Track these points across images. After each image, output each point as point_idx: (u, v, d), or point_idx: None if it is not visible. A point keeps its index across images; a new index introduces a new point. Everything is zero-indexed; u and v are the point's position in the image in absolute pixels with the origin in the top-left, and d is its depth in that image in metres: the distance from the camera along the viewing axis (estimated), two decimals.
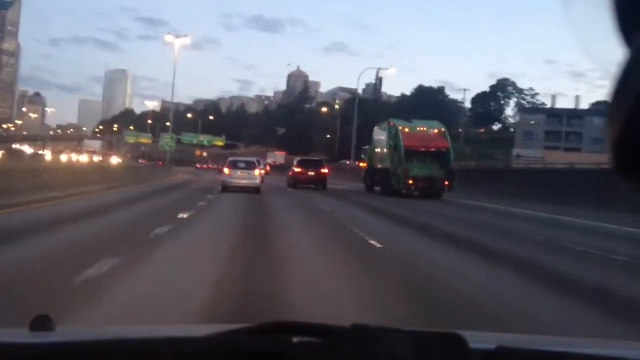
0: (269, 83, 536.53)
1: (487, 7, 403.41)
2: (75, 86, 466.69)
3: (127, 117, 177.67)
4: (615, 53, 0.58)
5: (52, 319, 1.39)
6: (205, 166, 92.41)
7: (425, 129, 26.29)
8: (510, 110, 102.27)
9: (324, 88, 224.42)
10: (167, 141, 63.11)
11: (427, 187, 23.93)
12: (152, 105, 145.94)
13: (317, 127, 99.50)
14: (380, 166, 27.78)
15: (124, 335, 1.34)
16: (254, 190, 22.69)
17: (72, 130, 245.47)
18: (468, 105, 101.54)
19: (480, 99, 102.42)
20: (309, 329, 1.04)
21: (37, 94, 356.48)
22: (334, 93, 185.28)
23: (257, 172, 23.92)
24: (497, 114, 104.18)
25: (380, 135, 28.73)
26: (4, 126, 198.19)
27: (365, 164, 32.47)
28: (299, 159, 33.63)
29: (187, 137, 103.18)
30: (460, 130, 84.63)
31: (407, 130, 25.45)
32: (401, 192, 24.26)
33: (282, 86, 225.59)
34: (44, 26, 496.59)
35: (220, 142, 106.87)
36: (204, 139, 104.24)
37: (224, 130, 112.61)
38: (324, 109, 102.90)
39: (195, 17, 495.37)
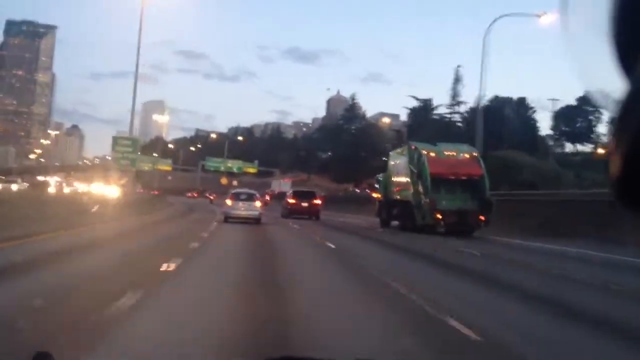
0: (306, 113, 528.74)
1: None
2: (113, 118, 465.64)
3: (156, 145, 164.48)
4: (615, 84, 0.57)
5: (53, 356, 1.41)
6: (193, 194, 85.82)
7: (454, 153, 23.13)
8: (602, 127, 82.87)
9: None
10: (122, 150, 39.68)
11: (458, 222, 20.85)
12: (182, 133, 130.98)
13: (368, 148, 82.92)
14: (398, 197, 24.69)
15: None
16: (253, 221, 23.18)
17: (95, 160, 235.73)
18: (547, 120, 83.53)
19: (564, 114, 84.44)
20: None
21: (75, 126, 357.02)
22: (375, 118, 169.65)
23: (257, 203, 24.60)
24: (586, 132, 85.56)
25: (398, 160, 25.50)
26: (31, 156, 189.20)
27: (378, 195, 28.48)
28: (292, 190, 35.27)
29: (213, 162, 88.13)
30: (549, 149, 67.65)
31: (432, 154, 22.33)
32: (425, 228, 21.09)
33: (320, 113, 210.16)
34: (83, 60, 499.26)
35: (252, 169, 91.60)
36: (233, 164, 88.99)
37: (257, 156, 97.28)
38: (386, 120, 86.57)
39: (232, 49, 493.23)
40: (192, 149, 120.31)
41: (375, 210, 28.82)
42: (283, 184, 70.68)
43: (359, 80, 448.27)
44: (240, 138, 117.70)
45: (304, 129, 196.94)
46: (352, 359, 1.47)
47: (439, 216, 20.84)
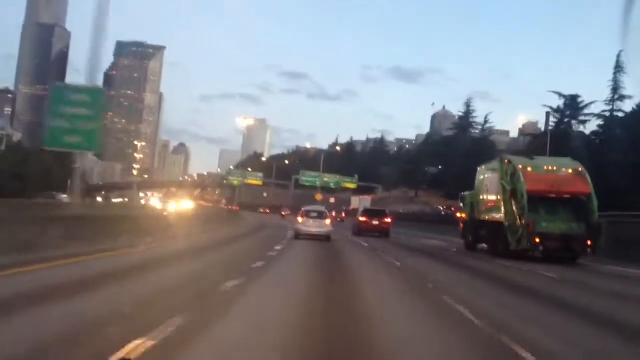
0: (407, 132, 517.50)
1: None
2: (218, 138, 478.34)
3: (253, 162, 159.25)
4: None
5: None
6: (265, 210, 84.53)
7: (555, 168, 20.48)
8: None
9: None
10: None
11: (561, 248, 18.59)
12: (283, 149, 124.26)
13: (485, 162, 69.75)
14: (486, 217, 22.28)
15: None
16: (324, 238, 23.79)
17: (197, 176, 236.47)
18: None
19: None
20: None
21: (182, 144, 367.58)
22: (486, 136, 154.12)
23: (327, 221, 25.27)
24: None
25: (487, 176, 22.93)
26: (134, 172, 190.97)
27: (463, 215, 25.95)
28: (363, 208, 36.70)
29: (308, 177, 79.11)
30: None
31: (529, 169, 19.98)
32: (519, 253, 18.81)
33: (424, 130, 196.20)
34: (190, 80, 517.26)
35: (351, 184, 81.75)
36: (330, 179, 79.44)
37: (357, 171, 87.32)
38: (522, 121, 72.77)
39: (335, 69, 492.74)
40: (287, 162, 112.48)
41: (458, 232, 27.10)
42: (363, 201, 68.11)
43: (462, 98, 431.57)
44: (337, 148, 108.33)
45: (407, 146, 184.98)
46: None
47: (538, 240, 18.56)
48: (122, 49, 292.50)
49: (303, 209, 26.68)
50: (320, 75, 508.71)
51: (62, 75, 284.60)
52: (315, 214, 25.44)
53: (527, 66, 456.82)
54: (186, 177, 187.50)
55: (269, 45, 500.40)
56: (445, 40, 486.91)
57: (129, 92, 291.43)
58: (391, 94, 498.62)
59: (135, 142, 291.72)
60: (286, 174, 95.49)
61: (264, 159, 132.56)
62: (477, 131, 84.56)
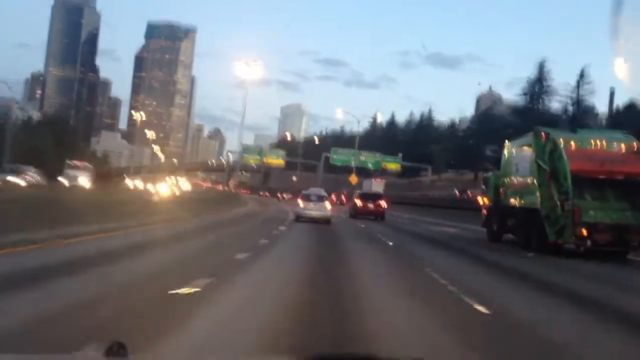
0: (446, 117, 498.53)
1: None
2: (254, 124, 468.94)
3: (286, 145, 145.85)
4: None
5: (125, 346, 1.53)
6: (265, 194, 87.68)
7: (605, 144, 17.03)
8: None
9: None
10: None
11: (612, 241, 15.33)
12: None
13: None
14: (516, 203, 18.86)
15: None
16: (324, 221, 24.03)
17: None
18: None
19: None
20: None
21: (217, 129, 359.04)
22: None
23: (327, 204, 25.85)
24: None
25: (517, 153, 19.48)
26: (161, 156, 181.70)
27: (486, 200, 22.28)
28: (359, 192, 36.64)
29: (341, 155, 65.35)
30: None
31: (572, 144, 16.60)
32: (555, 247, 15.65)
33: (466, 113, 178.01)
34: (230, 69, 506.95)
35: (393, 165, 67.69)
36: (368, 158, 65.38)
37: (400, 148, 72.93)
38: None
39: (373, 56, 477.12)
40: (316, 140, 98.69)
41: (480, 219, 22.76)
42: (375, 185, 61.37)
43: (503, 85, 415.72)
44: (371, 120, 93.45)
45: (458, 122, 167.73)
46: (410, 358, 1.54)
47: (585, 231, 15.12)
48: (152, 30, 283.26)
49: (303, 192, 27.69)
50: (358, 63, 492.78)
51: (92, 56, 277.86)
52: (315, 198, 25.94)
53: (573, 56, 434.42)
54: (212, 161, 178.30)
55: (305, 32, 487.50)
56: (485, 27, 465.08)
57: (160, 73, 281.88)
58: (430, 80, 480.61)
59: (167, 126, 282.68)
60: (317, 155, 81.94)
61: (289, 139, 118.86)
62: (561, 98, 66.92)
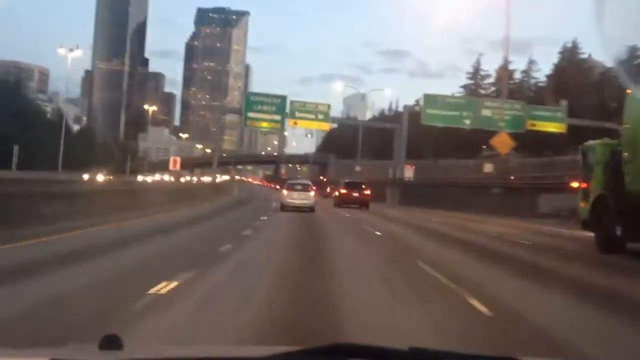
0: None
1: None
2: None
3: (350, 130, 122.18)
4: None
5: (120, 338, 1.54)
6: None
7: None
8: None
9: None
10: None
11: None
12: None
13: None
14: None
15: (187, 355, 1.52)
16: (307, 210, 24.83)
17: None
18: None
19: None
20: (366, 350, 1.09)
21: None
22: None
23: (311, 193, 26.62)
24: None
25: None
26: (207, 150, 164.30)
27: (587, 185, 14.85)
28: (345, 181, 36.80)
29: (440, 110, 40.53)
30: None
31: None
32: None
33: None
34: (296, 66, 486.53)
35: (555, 125, 41.51)
36: (497, 111, 39.87)
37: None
38: None
39: (437, 45, 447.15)
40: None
41: (577, 213, 15.79)
42: (405, 171, 49.63)
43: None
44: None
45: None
46: (406, 347, 1.48)
47: None
48: (203, 16, 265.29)
49: (288, 182, 29.73)
50: (422, 52, 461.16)
51: (141, 48, 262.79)
52: (299, 187, 26.98)
53: None
54: (262, 153, 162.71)
55: (365, 23, 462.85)
56: (555, 7, 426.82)
57: (212, 64, 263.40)
58: (497, 67, 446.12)
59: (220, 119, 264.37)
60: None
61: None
62: None
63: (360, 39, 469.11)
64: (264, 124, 45.18)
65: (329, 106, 45.23)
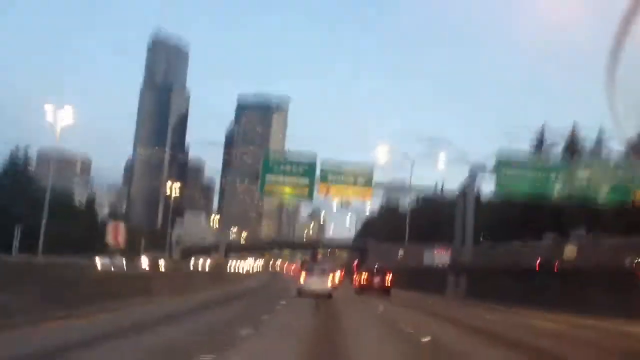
0: None
1: None
2: (356, 207, 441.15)
3: (391, 216, 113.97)
4: None
5: None
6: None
7: None
8: None
9: None
10: None
11: None
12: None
13: None
14: None
15: None
16: (326, 296, 24.42)
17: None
18: None
19: None
20: None
21: (316, 209, 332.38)
22: None
23: (330, 278, 26.32)
24: None
25: None
26: (243, 234, 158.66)
27: None
28: (365, 267, 39.36)
29: (514, 170, 32.31)
30: None
31: None
32: None
33: None
34: (328, 150, 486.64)
35: None
36: (602, 178, 31.37)
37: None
38: None
39: (477, 135, 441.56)
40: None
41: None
42: (437, 257, 45.47)
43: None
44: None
45: None
46: None
47: None
48: (243, 101, 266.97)
49: (306, 265, 29.94)
50: (462, 141, 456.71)
51: (182, 136, 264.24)
52: (319, 271, 26.51)
53: None
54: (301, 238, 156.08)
55: (404, 109, 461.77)
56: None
57: (251, 147, 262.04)
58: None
59: (259, 205, 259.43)
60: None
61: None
62: None
63: (400, 127, 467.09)
64: (287, 190, 35.25)
65: (372, 166, 36.55)
